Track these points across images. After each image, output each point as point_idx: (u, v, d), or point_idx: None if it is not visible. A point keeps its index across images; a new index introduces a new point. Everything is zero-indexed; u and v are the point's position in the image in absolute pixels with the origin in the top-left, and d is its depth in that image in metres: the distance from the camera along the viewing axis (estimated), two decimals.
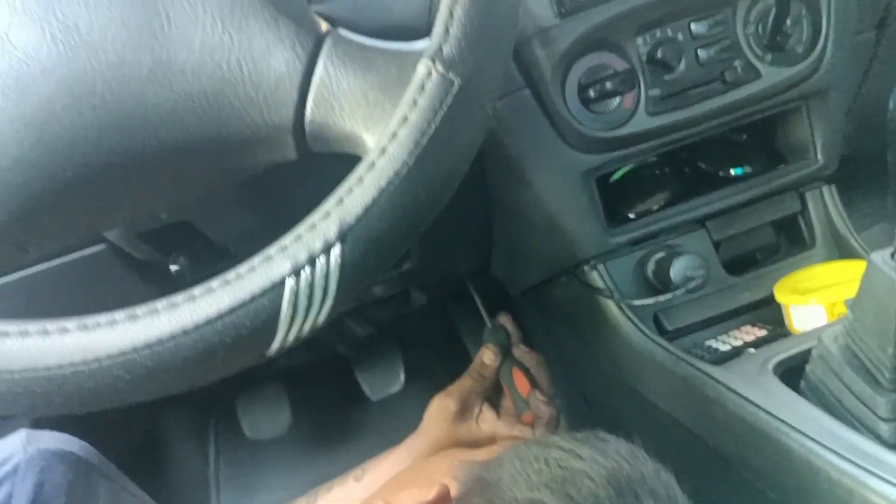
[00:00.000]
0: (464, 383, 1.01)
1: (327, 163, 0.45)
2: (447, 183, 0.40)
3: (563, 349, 0.98)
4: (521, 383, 1.03)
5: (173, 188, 0.46)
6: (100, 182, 0.42)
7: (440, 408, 0.99)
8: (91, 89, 0.40)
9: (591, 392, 0.97)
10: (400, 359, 1.37)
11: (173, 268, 0.67)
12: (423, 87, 0.38)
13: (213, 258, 0.69)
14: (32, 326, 0.38)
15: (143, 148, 0.41)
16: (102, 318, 0.37)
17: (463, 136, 0.39)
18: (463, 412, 0.98)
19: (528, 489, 0.50)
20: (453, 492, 0.56)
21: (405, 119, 0.38)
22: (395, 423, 1.19)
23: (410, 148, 0.38)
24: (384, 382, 1.34)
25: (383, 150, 0.38)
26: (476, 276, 1.10)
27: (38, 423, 1.11)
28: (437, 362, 1.37)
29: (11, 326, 0.38)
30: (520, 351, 1.05)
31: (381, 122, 0.40)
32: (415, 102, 0.38)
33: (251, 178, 0.58)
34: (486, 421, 0.99)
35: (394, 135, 0.38)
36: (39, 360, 0.37)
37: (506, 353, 1.05)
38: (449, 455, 0.73)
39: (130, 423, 1.38)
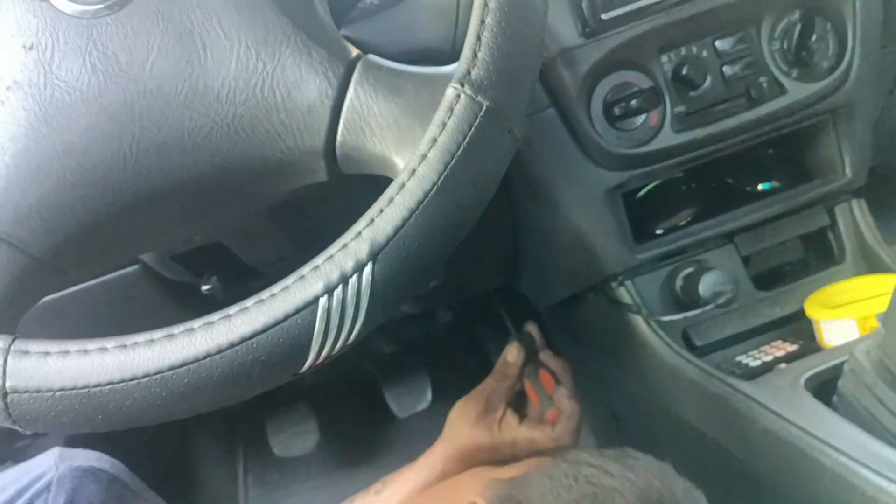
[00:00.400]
0: (487, 384, 0.99)
1: (358, 186, 0.46)
2: (476, 203, 0.40)
3: (591, 366, 0.97)
4: (547, 382, 1.02)
5: (209, 212, 0.47)
6: (139, 207, 0.43)
7: (463, 410, 0.97)
8: (130, 117, 0.41)
9: (621, 409, 0.96)
10: (427, 376, 1.37)
11: (205, 288, 0.68)
12: (451, 110, 0.39)
13: (243, 279, 0.70)
14: (72, 346, 0.39)
15: (180, 173, 0.42)
16: (140, 337, 0.38)
17: (491, 158, 0.40)
18: (486, 414, 0.96)
19: None
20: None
21: (434, 141, 0.39)
22: (423, 440, 1.19)
23: (440, 169, 0.38)
24: (411, 400, 1.34)
25: (413, 172, 0.38)
26: (503, 293, 1.10)
27: (71, 442, 1.12)
28: (464, 380, 1.37)
29: (52, 346, 0.39)
30: (545, 355, 1.04)
31: (411, 145, 0.41)
32: (444, 125, 0.39)
33: (283, 201, 0.60)
34: (509, 425, 0.98)
35: (423, 156, 0.39)
36: (79, 379, 0.38)
37: (532, 357, 1.04)
38: (476, 473, 0.72)
39: (161, 443, 1.39)
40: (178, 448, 1.39)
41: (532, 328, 1.05)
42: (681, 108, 0.73)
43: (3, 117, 0.40)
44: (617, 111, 0.72)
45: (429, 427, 1.29)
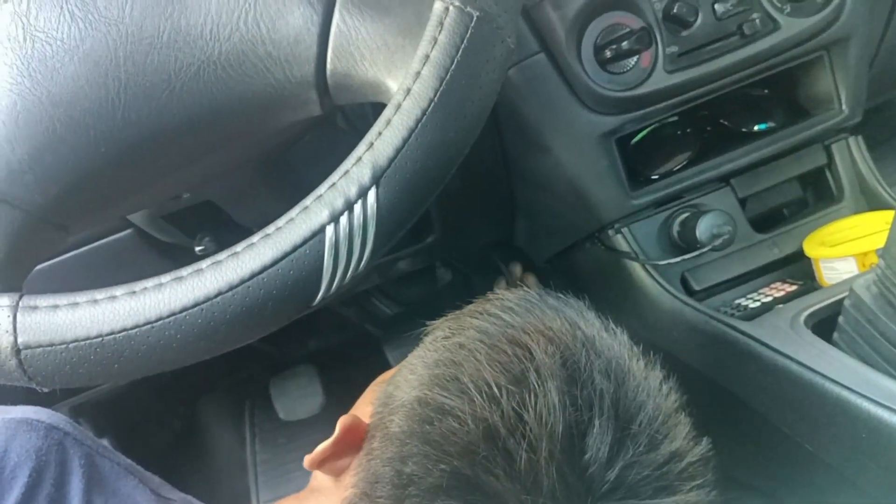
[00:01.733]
0: None
1: (352, 141, 0.45)
2: (474, 118, 0.40)
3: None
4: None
5: (205, 156, 0.46)
6: (132, 154, 0.43)
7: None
8: (114, 63, 0.41)
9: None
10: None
11: (198, 249, 0.67)
12: (441, 24, 0.38)
13: (237, 239, 0.70)
14: (81, 297, 0.38)
15: (171, 116, 0.42)
16: (150, 282, 0.38)
17: (486, 70, 0.39)
18: None
19: (416, 384, 0.48)
20: (367, 418, 0.54)
21: (427, 57, 0.38)
22: None
23: (435, 85, 0.38)
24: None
25: (408, 91, 0.38)
26: (501, 248, 1.10)
27: (77, 411, 1.13)
28: None
29: (61, 299, 0.39)
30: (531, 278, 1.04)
31: (403, 65, 0.40)
32: (435, 40, 0.38)
33: (273, 155, 0.59)
34: None
35: (417, 74, 0.38)
36: (92, 329, 0.38)
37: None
38: (374, 383, 0.71)
39: (170, 412, 1.40)
40: (186, 415, 1.40)
41: (515, 269, 1.04)
42: (673, 49, 0.72)
43: None
44: (608, 53, 0.71)
45: None
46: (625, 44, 0.70)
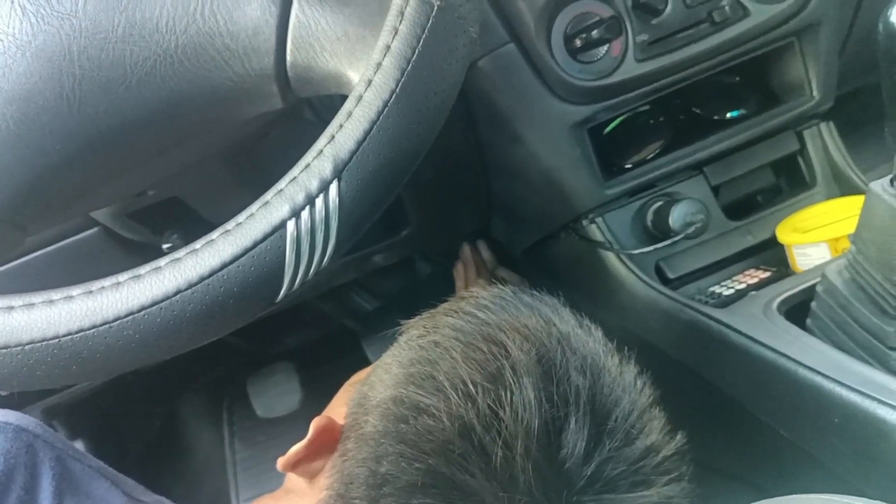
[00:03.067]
0: None
1: (319, 131, 0.45)
2: (438, 109, 0.39)
3: (569, 306, 0.97)
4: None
5: (165, 151, 0.45)
6: (90, 152, 0.42)
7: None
8: (69, 58, 0.40)
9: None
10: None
11: (165, 246, 0.67)
12: (402, 14, 0.37)
13: (204, 234, 0.69)
14: (37, 297, 0.37)
15: (129, 112, 0.41)
16: (107, 281, 0.37)
17: (449, 60, 0.38)
18: None
19: (391, 384, 0.48)
20: (342, 420, 0.54)
21: (388, 48, 0.37)
22: None
23: (396, 76, 0.37)
24: None
25: (369, 82, 0.37)
26: (477, 238, 1.09)
27: (51, 413, 1.12)
28: None
29: (16, 300, 0.38)
30: (503, 272, 1.04)
31: (364, 56, 0.39)
32: (396, 30, 0.37)
33: (239, 149, 0.58)
34: None
35: (378, 65, 0.37)
36: (48, 330, 0.37)
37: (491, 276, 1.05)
38: (346, 386, 0.71)
39: (148, 412, 1.38)
40: (165, 414, 1.39)
41: (482, 247, 1.04)
42: (643, 37, 0.72)
43: None
44: (578, 43, 0.71)
45: None
46: (595, 32, 0.70)
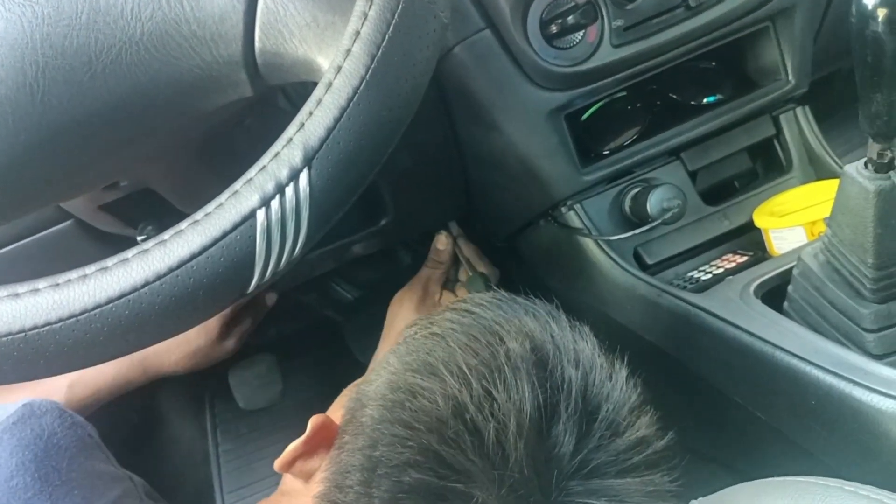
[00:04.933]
0: (423, 273, 1.03)
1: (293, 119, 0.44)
2: (409, 96, 0.38)
3: (549, 293, 0.97)
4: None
5: (133, 141, 0.44)
6: (56, 142, 0.41)
7: (402, 300, 1.01)
8: (31, 46, 0.39)
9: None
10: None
11: (140, 238, 0.66)
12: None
13: None
14: (2, 291, 0.37)
15: (94, 100, 0.40)
16: (73, 274, 0.37)
17: (420, 46, 0.38)
18: (425, 298, 1.00)
19: (387, 373, 0.50)
20: (339, 420, 0.54)
21: (357, 34, 0.37)
22: None
23: (366, 62, 0.36)
24: (373, 344, 1.34)
25: (339, 69, 0.37)
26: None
27: None
28: None
29: None
30: (463, 244, 1.06)
31: (333, 42, 0.39)
32: (365, 15, 0.37)
33: (212, 138, 0.57)
34: (449, 301, 1.01)
35: (348, 51, 0.37)
36: (14, 324, 0.36)
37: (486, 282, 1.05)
38: (351, 388, 0.72)
39: (127, 405, 1.37)
40: (145, 408, 1.37)
41: (451, 225, 1.06)
42: (619, 23, 0.71)
43: None
44: (554, 28, 0.70)
45: None
46: (570, 18, 0.70)
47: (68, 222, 0.68)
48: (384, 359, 0.53)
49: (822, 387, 0.57)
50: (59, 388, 0.86)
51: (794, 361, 0.59)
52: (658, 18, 0.72)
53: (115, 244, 0.70)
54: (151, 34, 0.39)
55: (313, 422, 0.55)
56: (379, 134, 0.37)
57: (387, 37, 0.36)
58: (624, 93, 0.81)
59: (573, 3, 0.70)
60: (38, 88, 0.39)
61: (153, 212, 0.67)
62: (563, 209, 0.81)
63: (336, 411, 0.60)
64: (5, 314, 0.36)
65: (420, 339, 0.51)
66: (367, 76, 0.36)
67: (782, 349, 0.60)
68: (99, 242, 0.70)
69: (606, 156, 0.80)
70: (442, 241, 1.01)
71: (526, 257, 0.98)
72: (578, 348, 0.49)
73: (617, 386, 0.48)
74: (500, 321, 0.50)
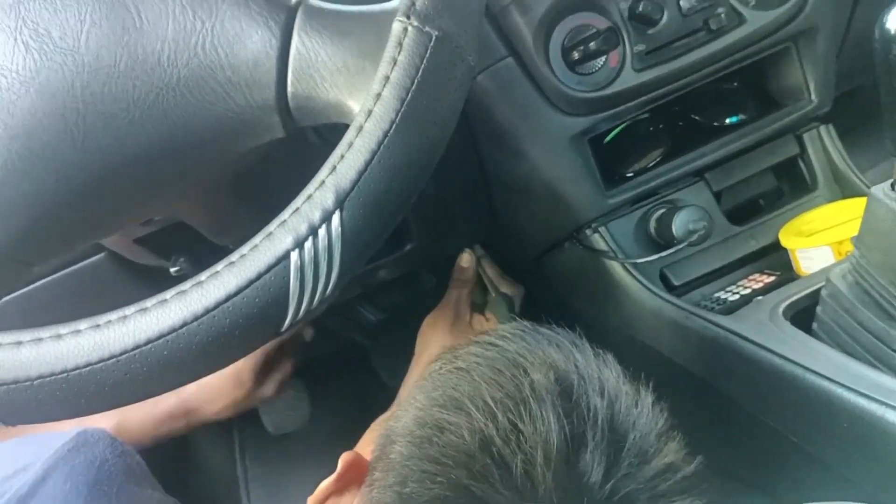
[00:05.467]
0: (450, 295, 1.03)
1: (326, 155, 0.45)
2: (438, 138, 0.39)
3: (575, 315, 0.98)
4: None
5: (168, 184, 0.46)
6: (94, 186, 0.42)
7: (435, 322, 1.01)
8: (72, 94, 0.40)
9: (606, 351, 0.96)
10: (415, 342, 1.36)
11: (174, 270, 0.67)
12: (400, 45, 0.38)
13: (212, 258, 0.69)
14: (45, 332, 0.38)
15: (132, 145, 0.41)
16: (113, 315, 0.38)
17: (448, 90, 0.39)
18: (457, 320, 1.01)
19: (414, 410, 0.50)
20: (369, 456, 0.55)
21: (387, 78, 0.37)
22: None
23: (396, 106, 0.37)
24: (400, 367, 1.34)
25: (369, 112, 0.37)
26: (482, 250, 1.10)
27: None
28: None
29: (24, 335, 0.38)
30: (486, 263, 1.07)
31: (364, 87, 0.40)
32: (395, 61, 0.38)
33: (244, 173, 0.58)
34: (480, 324, 1.02)
35: (378, 95, 0.37)
36: (56, 365, 0.37)
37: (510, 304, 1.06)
38: (378, 423, 0.73)
39: None
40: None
41: (508, 287, 1.06)
42: (640, 47, 0.72)
43: None
44: (576, 55, 0.71)
45: None
46: (592, 44, 0.70)
47: (101, 255, 0.69)
48: (410, 395, 0.54)
49: (855, 410, 0.56)
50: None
51: (826, 384, 0.59)
52: (679, 42, 0.73)
53: (148, 276, 0.71)
54: (188, 80, 0.40)
55: (344, 459, 0.56)
56: (408, 175, 0.38)
57: (416, 81, 0.37)
58: (647, 115, 0.81)
59: (594, 30, 0.71)
60: (79, 134, 0.40)
61: (186, 244, 0.68)
62: (588, 232, 0.81)
63: (365, 446, 0.61)
64: (49, 355, 0.37)
65: (445, 373, 0.52)
66: (397, 120, 0.37)
67: (813, 372, 0.60)
68: (132, 275, 0.71)
69: (630, 178, 0.80)
70: (465, 259, 1.01)
71: (550, 279, 0.98)
72: (603, 377, 0.49)
73: (643, 412, 0.48)
74: (524, 353, 0.51)
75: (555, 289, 1.00)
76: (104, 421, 0.84)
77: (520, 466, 0.43)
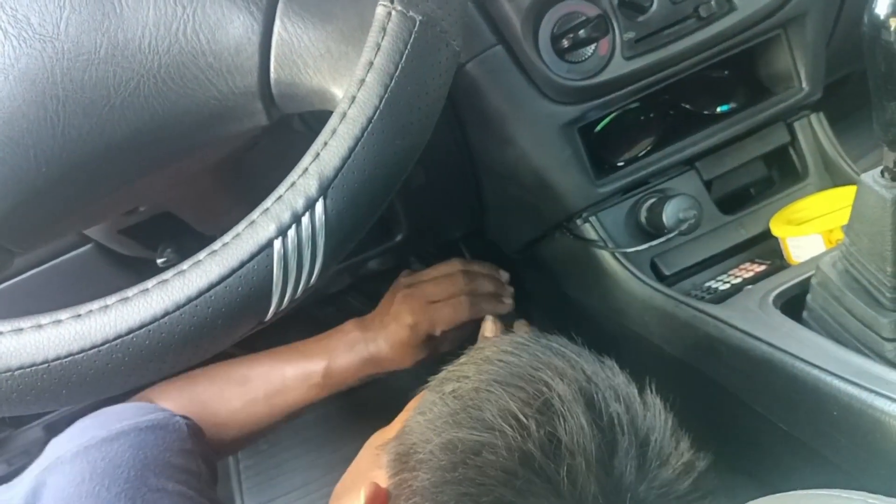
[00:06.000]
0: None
1: (308, 140, 0.45)
2: (422, 123, 0.39)
3: (564, 303, 0.97)
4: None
5: (151, 170, 0.45)
6: (76, 173, 0.42)
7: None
8: (52, 80, 0.40)
9: (596, 342, 0.96)
10: None
11: (160, 261, 0.66)
12: (384, 29, 0.37)
13: (199, 248, 0.69)
14: (26, 322, 0.37)
15: (113, 132, 0.41)
16: (95, 304, 0.37)
17: (432, 75, 0.38)
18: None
19: (436, 435, 0.49)
20: (383, 483, 0.54)
21: (371, 64, 0.37)
22: (406, 395, 1.18)
23: (380, 92, 0.37)
24: None
25: (353, 99, 0.37)
26: (471, 240, 1.09)
27: (52, 429, 1.11)
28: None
29: (5, 325, 0.38)
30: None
31: (347, 72, 0.39)
32: (378, 46, 0.37)
33: (229, 161, 0.58)
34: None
35: (361, 81, 0.37)
36: (37, 355, 0.37)
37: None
38: (369, 447, 0.73)
39: None
40: None
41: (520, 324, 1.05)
42: (630, 35, 0.72)
43: None
44: (565, 43, 0.70)
45: (411, 382, 1.29)
46: (582, 32, 0.70)
47: (88, 246, 0.69)
48: (415, 418, 0.53)
49: (843, 397, 0.56)
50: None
51: (815, 372, 0.59)
52: (669, 30, 0.72)
53: (135, 267, 0.71)
54: (169, 67, 0.40)
55: (367, 491, 0.55)
56: (393, 162, 0.38)
57: (399, 66, 0.37)
58: (637, 104, 0.81)
59: (584, 17, 0.70)
60: (59, 121, 0.40)
61: (172, 234, 0.67)
62: (579, 221, 0.81)
63: (366, 464, 0.61)
64: (29, 345, 0.37)
65: (460, 395, 0.51)
66: (381, 106, 0.36)
67: (802, 360, 0.60)
68: (119, 266, 0.70)
69: (621, 167, 0.80)
70: (489, 328, 1.00)
71: (540, 268, 0.98)
72: (615, 383, 0.50)
73: (657, 414, 0.49)
74: (537, 365, 0.51)
75: (545, 278, 0.99)
76: (315, 364, 0.90)
77: (564, 477, 0.44)
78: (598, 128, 0.81)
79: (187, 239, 0.68)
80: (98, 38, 0.39)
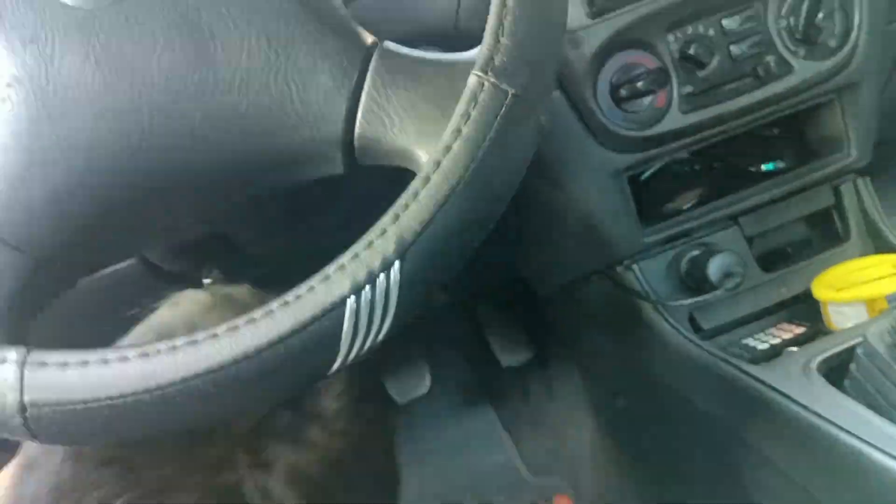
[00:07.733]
0: None
1: (366, 182, 0.44)
2: (503, 195, 0.39)
3: (594, 347, 0.97)
4: None
5: (222, 203, 0.45)
6: (149, 200, 0.42)
7: None
8: (138, 113, 0.39)
9: (626, 390, 0.96)
10: (425, 361, 1.36)
11: (206, 281, 0.66)
12: (475, 99, 0.37)
13: (245, 270, 0.69)
14: (91, 356, 0.37)
15: (193, 166, 0.41)
16: (163, 345, 0.37)
17: (518, 147, 0.38)
18: None
19: None
20: None
21: (459, 132, 0.37)
22: (424, 425, 1.18)
23: (466, 162, 0.37)
24: (410, 385, 1.33)
25: (437, 164, 0.37)
26: (503, 275, 1.09)
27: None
28: (464, 362, 1.36)
29: (71, 356, 0.37)
30: None
31: (433, 136, 0.39)
32: (468, 115, 0.37)
33: (292, 193, 0.58)
34: None
35: (448, 148, 0.37)
36: (101, 391, 0.36)
37: None
38: None
39: None
40: None
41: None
42: (688, 89, 0.72)
43: (3, 115, 0.38)
44: (623, 93, 0.71)
45: (428, 412, 1.29)
46: (640, 83, 0.70)
47: (132, 260, 0.69)
48: None
49: (886, 472, 0.56)
50: None
51: (858, 443, 0.58)
52: (727, 87, 0.73)
53: (178, 284, 0.70)
54: (257, 109, 0.40)
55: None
56: (470, 230, 0.37)
57: (488, 138, 0.37)
58: (686, 154, 0.81)
59: (644, 69, 0.70)
60: (141, 152, 0.40)
61: (218, 254, 0.67)
62: (621, 269, 0.80)
63: None
64: (94, 380, 0.36)
65: None
66: (466, 176, 0.36)
67: (846, 430, 0.59)
68: (161, 281, 0.70)
69: (667, 218, 0.80)
70: None
71: (574, 310, 0.98)
72: None
73: None
74: None
75: (575, 321, 0.99)
76: None
77: None
78: (645, 176, 0.81)
79: (233, 260, 0.68)
80: (189, 77, 0.39)
